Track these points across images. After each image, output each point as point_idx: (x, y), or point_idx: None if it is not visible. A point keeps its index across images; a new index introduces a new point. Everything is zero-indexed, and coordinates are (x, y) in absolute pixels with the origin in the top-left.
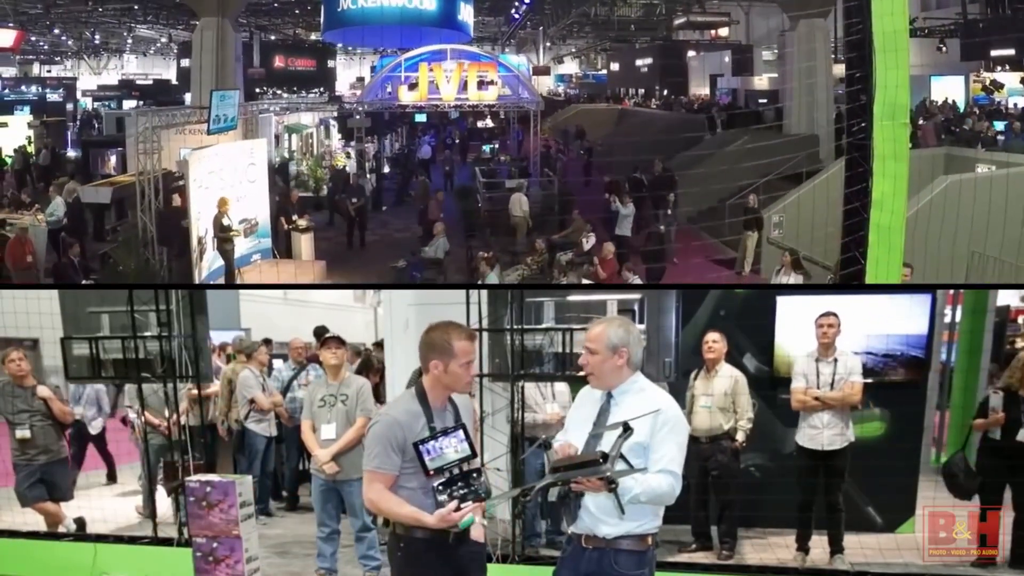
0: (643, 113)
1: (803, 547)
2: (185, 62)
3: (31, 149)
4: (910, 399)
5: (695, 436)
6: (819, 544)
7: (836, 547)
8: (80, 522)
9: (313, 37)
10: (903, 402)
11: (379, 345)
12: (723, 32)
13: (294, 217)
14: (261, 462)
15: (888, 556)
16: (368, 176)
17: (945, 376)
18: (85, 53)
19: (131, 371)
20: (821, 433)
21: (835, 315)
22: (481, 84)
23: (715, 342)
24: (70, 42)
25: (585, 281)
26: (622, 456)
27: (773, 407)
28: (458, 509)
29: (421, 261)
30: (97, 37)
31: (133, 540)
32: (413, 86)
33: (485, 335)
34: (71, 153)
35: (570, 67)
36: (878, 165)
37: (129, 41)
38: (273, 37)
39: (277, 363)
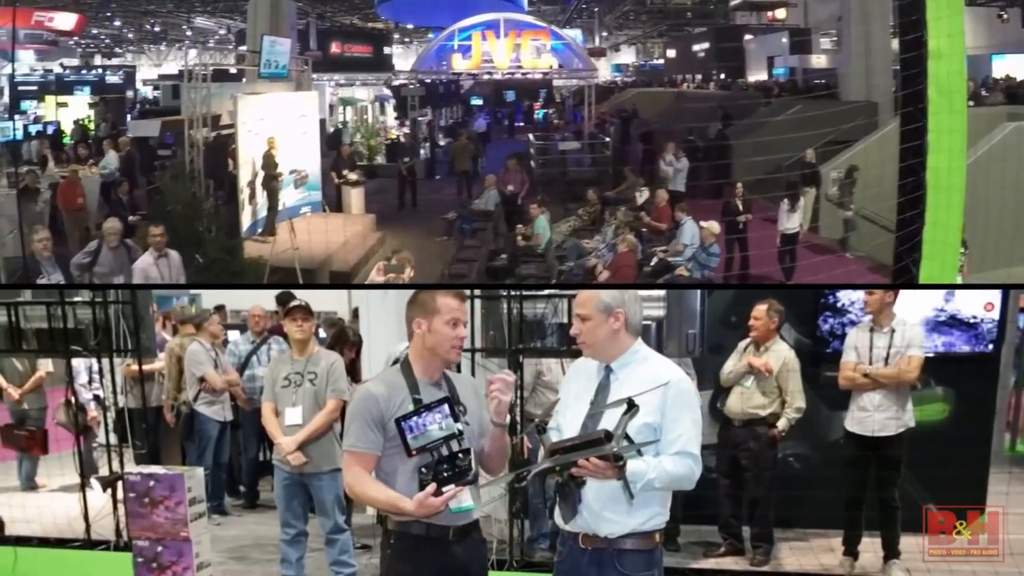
0: (700, 94)
1: (851, 551)
2: (243, 48)
3: (91, 125)
4: (979, 376)
5: (727, 418)
6: (870, 547)
7: (891, 551)
8: None
9: (370, 25)
10: (970, 379)
11: (354, 314)
12: (780, 14)
13: (345, 172)
14: (214, 451)
15: (954, 563)
16: (423, 144)
17: (1023, 348)
18: (145, 44)
19: (58, 343)
20: (871, 416)
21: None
22: (535, 52)
23: (756, 319)
24: (130, 35)
25: (622, 246)
26: (627, 437)
27: (816, 387)
28: (439, 493)
29: (471, 213)
30: (156, 28)
31: (61, 543)
32: (467, 54)
33: (478, 304)
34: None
35: (626, 57)
36: (933, 121)
37: (188, 33)
38: (330, 25)
39: (233, 335)
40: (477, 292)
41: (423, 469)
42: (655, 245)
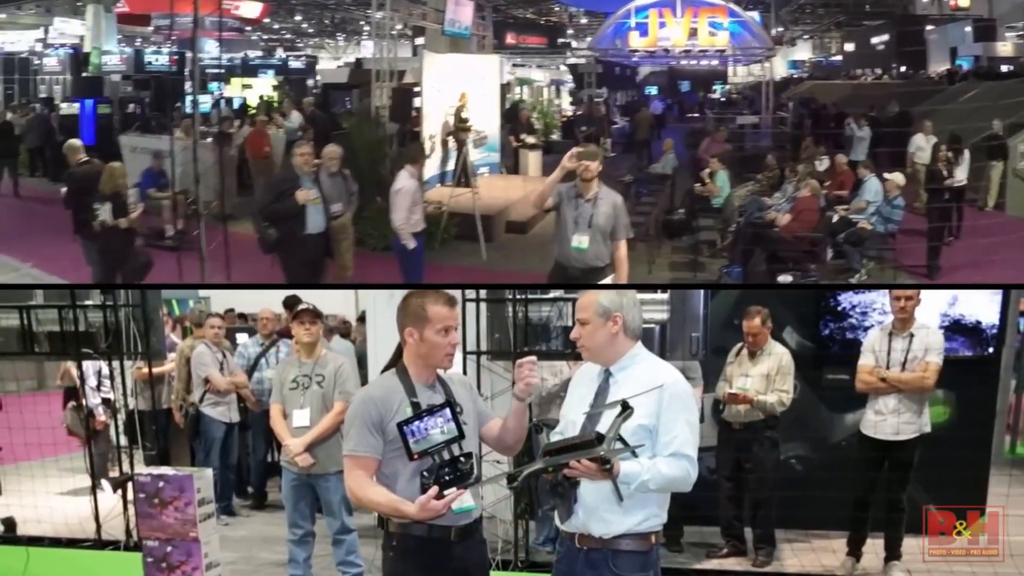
0: (879, 84)
1: (855, 552)
2: (420, 40)
3: (275, 103)
4: (980, 378)
5: (727, 422)
6: (871, 548)
7: (893, 553)
8: (9, 522)
9: (544, 19)
10: (971, 382)
11: (360, 318)
12: (963, 2)
13: (522, 135)
14: (222, 453)
15: (954, 564)
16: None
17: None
18: (324, 37)
19: (69, 346)
20: (886, 420)
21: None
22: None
23: (752, 334)
24: (311, 30)
25: (805, 191)
26: (620, 438)
27: (817, 389)
28: (441, 496)
29: (647, 176)
30: (336, 21)
31: (72, 543)
32: (644, 32)
33: (483, 307)
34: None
35: (802, 52)
36: None
37: (366, 28)
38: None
39: (242, 337)
40: (483, 295)
41: (425, 473)
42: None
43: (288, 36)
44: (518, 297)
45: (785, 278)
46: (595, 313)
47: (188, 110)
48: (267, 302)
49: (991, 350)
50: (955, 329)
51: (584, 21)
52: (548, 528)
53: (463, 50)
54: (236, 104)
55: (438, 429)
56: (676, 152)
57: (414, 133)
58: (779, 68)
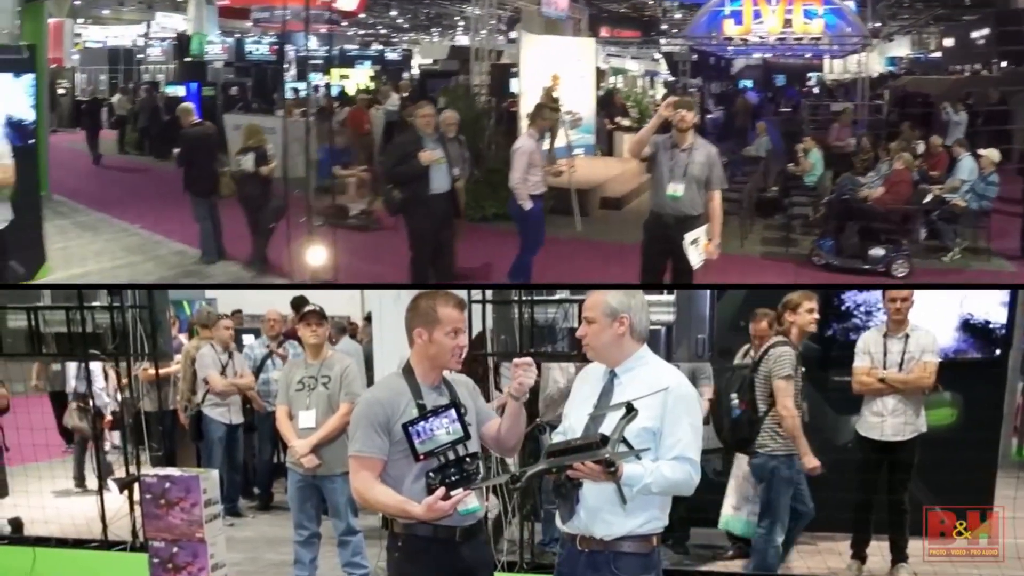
0: (979, 78)
1: (859, 554)
2: (513, 34)
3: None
4: (986, 380)
5: None
6: (877, 551)
7: (899, 555)
8: (16, 523)
9: (637, 15)
10: (978, 384)
11: (367, 319)
12: None
13: (617, 118)
14: (229, 454)
15: (960, 565)
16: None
17: None
18: (418, 32)
19: (77, 347)
20: (884, 421)
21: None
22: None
23: (759, 337)
24: (406, 25)
25: (898, 163)
26: (624, 440)
27: (823, 391)
28: (447, 497)
29: (741, 159)
30: (431, 16)
31: (79, 544)
32: (738, 20)
33: (489, 308)
34: None
35: (900, 49)
36: None
37: (461, 23)
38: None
39: (248, 339)
40: (489, 296)
41: (431, 473)
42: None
43: (383, 31)
44: (524, 299)
45: (877, 252)
46: (602, 313)
47: (288, 95)
48: (272, 303)
49: (998, 352)
50: (963, 330)
51: (678, 16)
52: (554, 529)
53: (559, 32)
54: (335, 92)
55: (444, 430)
56: (770, 137)
57: (511, 113)
58: (875, 65)
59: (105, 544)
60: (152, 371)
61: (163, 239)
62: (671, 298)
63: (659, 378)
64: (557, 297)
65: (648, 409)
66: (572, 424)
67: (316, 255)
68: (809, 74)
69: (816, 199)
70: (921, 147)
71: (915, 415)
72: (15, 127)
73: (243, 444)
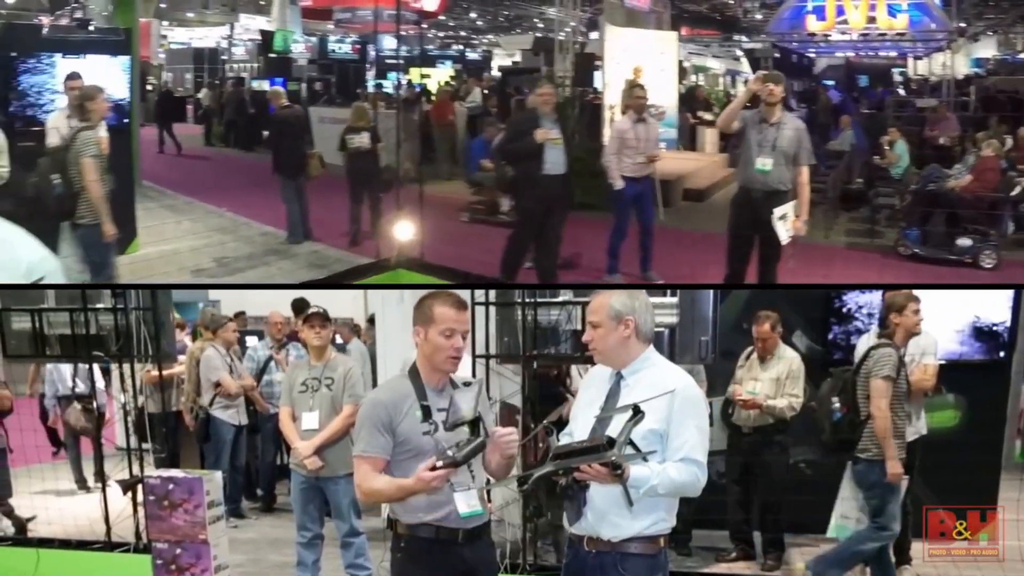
0: None
1: None
2: (594, 35)
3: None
4: (990, 382)
5: (736, 426)
6: None
7: (902, 557)
8: (20, 524)
9: (717, 15)
10: (981, 386)
11: (370, 321)
12: None
13: (700, 112)
14: (232, 455)
15: (963, 567)
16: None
17: None
18: (499, 33)
19: (80, 349)
20: None
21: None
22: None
23: (763, 339)
24: (485, 27)
25: (987, 151)
26: (631, 442)
27: None
28: (435, 469)
29: (826, 152)
30: (510, 18)
31: (82, 545)
32: (821, 15)
33: (492, 310)
34: None
35: (986, 49)
36: None
37: (540, 24)
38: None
39: (252, 341)
40: (492, 298)
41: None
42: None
43: (463, 33)
44: (527, 300)
45: (964, 242)
46: (607, 316)
47: (371, 90)
48: (276, 304)
49: (1002, 354)
50: (966, 332)
51: (759, 17)
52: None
53: (641, 25)
54: (416, 89)
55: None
56: (854, 131)
57: (595, 105)
58: (961, 66)
59: (109, 545)
60: (155, 372)
61: (250, 221)
62: (674, 300)
63: (665, 380)
64: (560, 299)
65: (654, 411)
66: (578, 427)
67: (403, 230)
68: (894, 69)
69: (902, 190)
70: (1009, 142)
71: (916, 418)
72: (111, 106)
73: (246, 445)
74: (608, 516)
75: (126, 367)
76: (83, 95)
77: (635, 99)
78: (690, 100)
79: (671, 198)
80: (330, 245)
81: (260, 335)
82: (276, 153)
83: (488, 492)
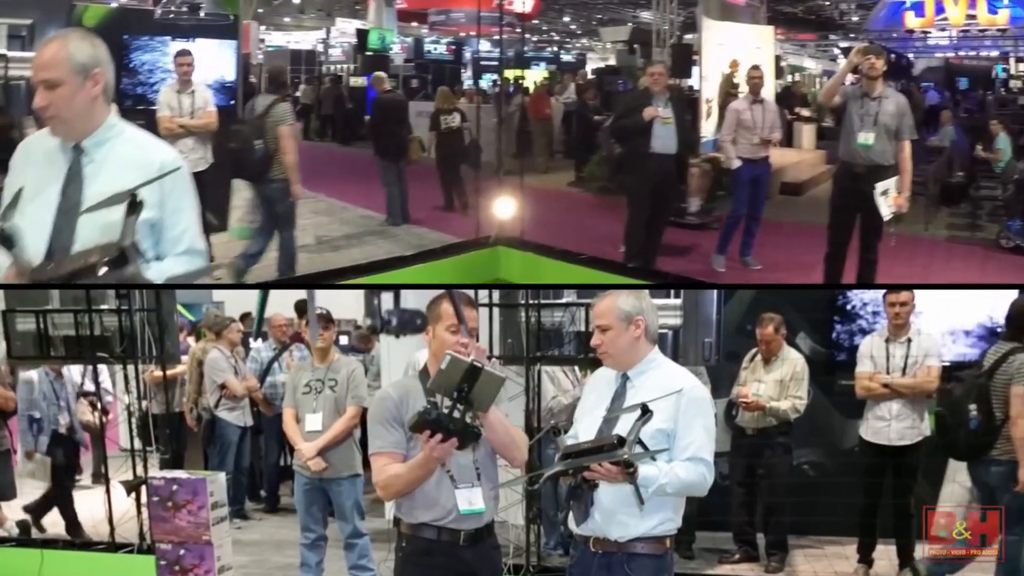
0: None
1: (866, 559)
2: (688, 36)
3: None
4: None
5: (740, 428)
6: (884, 555)
7: (906, 559)
8: (24, 525)
9: (813, 16)
10: None
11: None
12: None
13: (797, 108)
14: (236, 456)
15: (966, 570)
16: None
17: None
18: (592, 37)
19: (85, 350)
20: (889, 426)
21: (909, 292)
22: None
23: (766, 342)
24: (579, 31)
25: None
26: (640, 442)
27: (831, 395)
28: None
29: (925, 149)
30: (604, 21)
31: (86, 546)
32: (919, 12)
33: (496, 312)
34: None
35: None
36: None
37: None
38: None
39: (255, 342)
40: (496, 300)
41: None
42: None
43: (557, 37)
44: (531, 302)
45: None
46: (617, 318)
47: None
48: (279, 305)
49: None
50: (970, 334)
51: (855, 19)
52: (556, 533)
53: (737, 19)
54: (510, 88)
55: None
56: (954, 128)
57: (691, 100)
58: None
59: (112, 546)
60: (159, 373)
61: (348, 205)
62: (678, 301)
63: (672, 381)
64: (564, 301)
65: (662, 411)
66: (584, 428)
67: (503, 208)
68: (997, 66)
69: (1005, 181)
70: None
71: (919, 419)
72: (219, 87)
73: (250, 447)
74: (616, 516)
75: (130, 368)
76: (273, 70)
77: (752, 80)
78: (787, 97)
79: (769, 191)
80: (430, 228)
81: (264, 336)
82: (377, 137)
83: (496, 493)
